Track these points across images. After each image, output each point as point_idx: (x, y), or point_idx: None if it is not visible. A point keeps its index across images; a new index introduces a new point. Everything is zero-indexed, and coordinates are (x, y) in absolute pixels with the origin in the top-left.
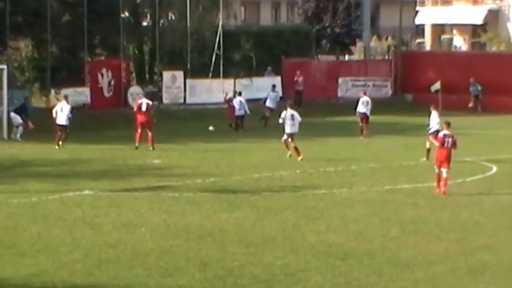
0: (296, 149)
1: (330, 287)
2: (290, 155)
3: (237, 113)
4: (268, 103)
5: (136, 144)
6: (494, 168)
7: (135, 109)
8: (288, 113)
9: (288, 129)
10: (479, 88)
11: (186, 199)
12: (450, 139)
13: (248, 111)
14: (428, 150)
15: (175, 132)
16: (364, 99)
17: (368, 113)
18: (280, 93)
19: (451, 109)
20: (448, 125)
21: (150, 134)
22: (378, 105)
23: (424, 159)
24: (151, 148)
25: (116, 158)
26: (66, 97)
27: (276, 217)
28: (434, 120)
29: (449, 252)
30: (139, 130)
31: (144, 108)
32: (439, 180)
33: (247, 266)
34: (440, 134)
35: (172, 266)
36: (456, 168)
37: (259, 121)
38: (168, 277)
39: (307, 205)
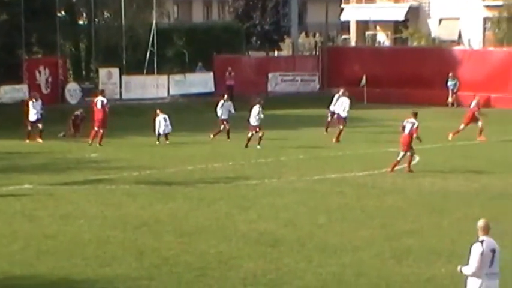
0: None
1: (262, 273)
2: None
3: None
4: None
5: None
6: (417, 158)
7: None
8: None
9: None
10: (457, 83)
11: (122, 191)
12: (410, 125)
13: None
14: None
15: (111, 127)
16: (342, 99)
17: (343, 115)
18: (213, 88)
19: (375, 102)
20: (415, 114)
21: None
22: (306, 98)
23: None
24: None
25: (55, 152)
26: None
27: (209, 207)
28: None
29: (374, 238)
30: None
31: (99, 105)
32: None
33: (181, 255)
34: (404, 122)
35: (110, 255)
36: (381, 158)
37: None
38: (105, 266)
39: (239, 195)
